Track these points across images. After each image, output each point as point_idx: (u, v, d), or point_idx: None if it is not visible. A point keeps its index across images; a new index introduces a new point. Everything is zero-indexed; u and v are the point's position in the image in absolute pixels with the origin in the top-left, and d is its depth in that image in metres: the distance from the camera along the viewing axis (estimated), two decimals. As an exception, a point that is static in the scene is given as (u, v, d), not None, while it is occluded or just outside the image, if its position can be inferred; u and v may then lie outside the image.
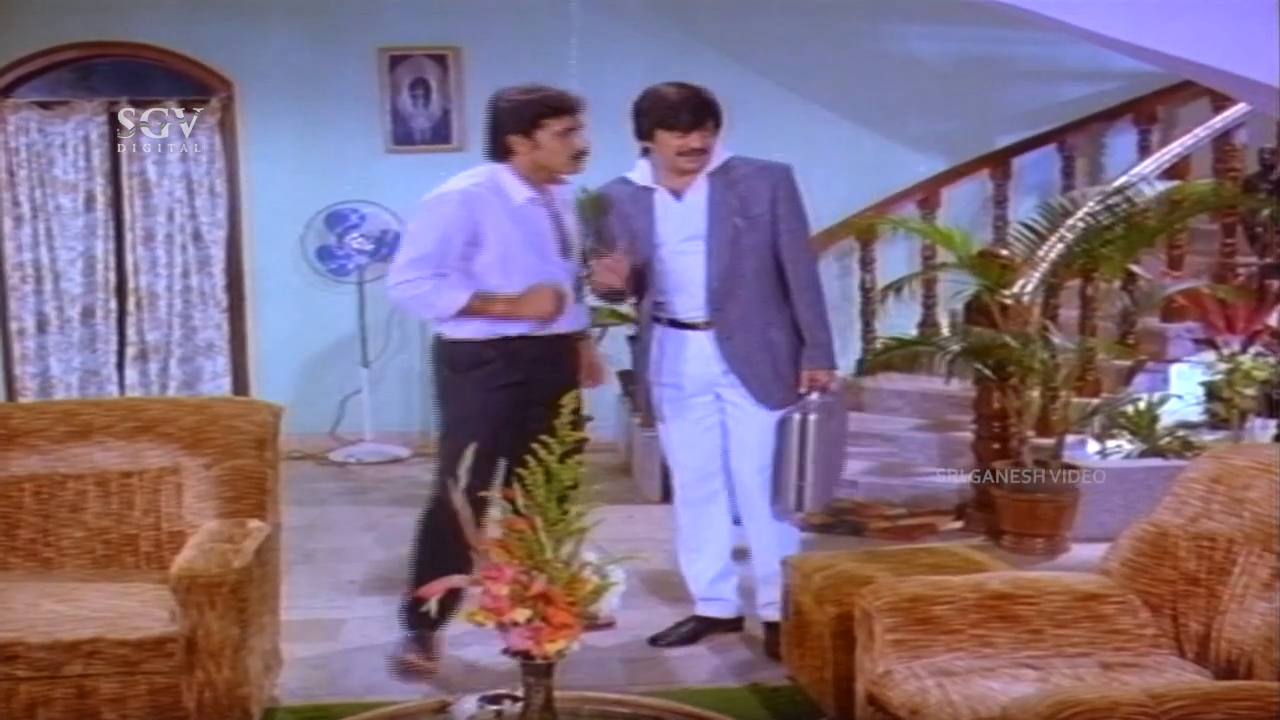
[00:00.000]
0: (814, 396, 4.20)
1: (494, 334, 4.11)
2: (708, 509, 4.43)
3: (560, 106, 4.13)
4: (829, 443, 4.24)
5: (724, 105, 4.16)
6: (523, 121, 4.12)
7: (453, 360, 4.23)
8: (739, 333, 4.20)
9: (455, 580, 2.62)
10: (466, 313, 4.10)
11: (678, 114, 4.07)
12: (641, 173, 4.26)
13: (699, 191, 4.18)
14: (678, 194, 4.20)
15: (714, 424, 4.34)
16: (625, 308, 5.48)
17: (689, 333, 4.25)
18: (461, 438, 3.59)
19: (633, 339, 6.83)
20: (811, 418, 4.17)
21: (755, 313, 4.20)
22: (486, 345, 4.12)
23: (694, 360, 4.26)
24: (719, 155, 4.19)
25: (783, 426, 4.20)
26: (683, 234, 4.18)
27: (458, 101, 7.46)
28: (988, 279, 5.68)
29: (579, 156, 4.18)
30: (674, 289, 4.25)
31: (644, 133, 4.16)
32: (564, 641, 2.47)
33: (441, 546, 3.82)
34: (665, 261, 4.23)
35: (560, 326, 4.22)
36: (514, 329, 4.12)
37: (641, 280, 4.28)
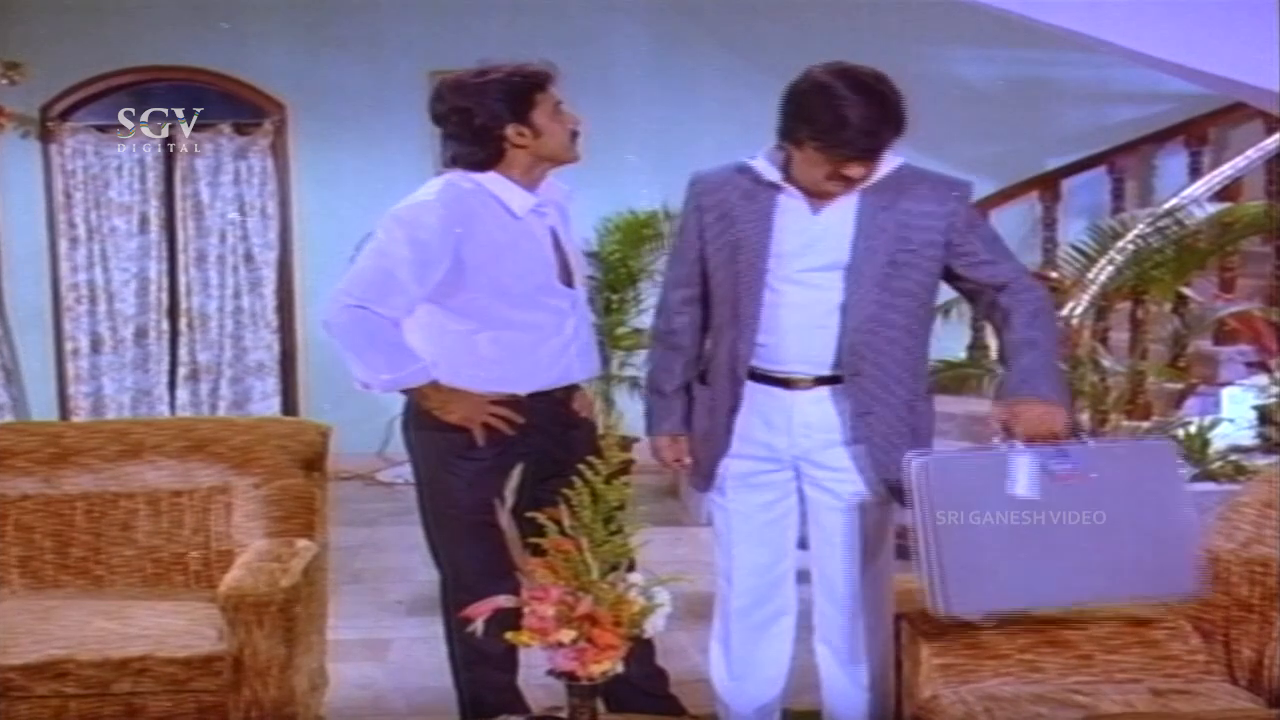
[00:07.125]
0: (1001, 445, 2.95)
1: (466, 387, 3.33)
2: (770, 631, 3.36)
3: (546, 76, 3.31)
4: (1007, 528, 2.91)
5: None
6: (518, 104, 3.27)
7: (418, 417, 3.47)
8: (879, 405, 3.11)
9: (501, 600, 2.62)
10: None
11: (853, 141, 2.98)
12: (768, 163, 3.15)
13: (845, 205, 3.10)
14: (816, 204, 3.11)
15: (788, 509, 3.27)
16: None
17: (786, 393, 3.14)
18: (452, 525, 3.36)
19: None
20: (916, 463, 2.91)
21: (897, 383, 3.13)
22: None
23: (783, 430, 3.16)
24: (887, 162, 3.12)
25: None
26: (813, 259, 3.08)
27: (506, 124, 7.55)
28: (1037, 301, 5.64)
29: (576, 136, 3.34)
30: (787, 329, 3.10)
31: (792, 136, 3.05)
32: (609, 663, 2.47)
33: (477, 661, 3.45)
34: (778, 291, 3.10)
35: (562, 377, 3.36)
36: (510, 383, 3.29)
37: (707, 311, 3.26)
